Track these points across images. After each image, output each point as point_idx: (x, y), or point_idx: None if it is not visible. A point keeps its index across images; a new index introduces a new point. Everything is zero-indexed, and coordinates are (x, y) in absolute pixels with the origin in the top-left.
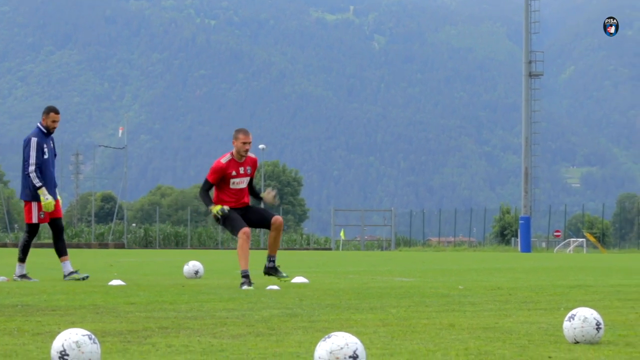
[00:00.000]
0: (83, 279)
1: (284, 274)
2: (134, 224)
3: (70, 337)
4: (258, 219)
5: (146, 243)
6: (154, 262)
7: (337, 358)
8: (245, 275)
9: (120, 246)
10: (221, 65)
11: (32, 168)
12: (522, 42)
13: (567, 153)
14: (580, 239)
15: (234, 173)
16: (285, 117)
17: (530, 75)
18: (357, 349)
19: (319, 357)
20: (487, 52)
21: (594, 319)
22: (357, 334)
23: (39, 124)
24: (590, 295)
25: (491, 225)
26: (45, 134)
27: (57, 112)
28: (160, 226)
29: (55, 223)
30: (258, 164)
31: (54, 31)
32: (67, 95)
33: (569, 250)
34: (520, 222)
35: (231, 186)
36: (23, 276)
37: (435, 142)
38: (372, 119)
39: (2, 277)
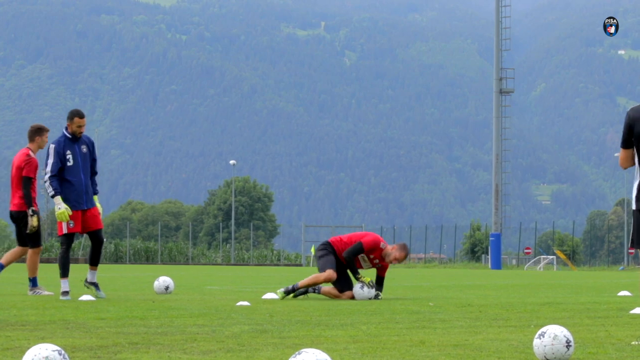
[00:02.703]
0: (98, 296)
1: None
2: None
3: (40, 352)
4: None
5: (116, 258)
6: (124, 277)
7: None
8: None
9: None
10: (192, 80)
11: (46, 176)
12: (492, 58)
13: (538, 170)
14: (551, 256)
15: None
16: (256, 132)
17: (501, 92)
18: None
19: None
20: (457, 68)
21: (564, 336)
22: (327, 350)
23: (64, 130)
24: (561, 313)
25: (461, 242)
26: (71, 139)
27: (81, 116)
28: (130, 241)
29: (94, 235)
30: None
31: (25, 45)
32: (38, 109)
33: (539, 268)
34: (491, 239)
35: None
36: (65, 293)
37: (406, 158)
38: (342, 135)
39: (47, 292)
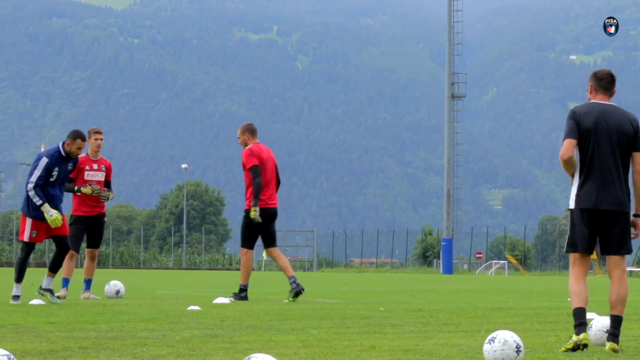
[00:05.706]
0: (52, 302)
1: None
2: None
3: None
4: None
5: None
6: (75, 281)
7: None
8: (241, 289)
9: (42, 265)
10: (144, 84)
11: (30, 186)
12: (444, 63)
13: (489, 175)
14: (502, 261)
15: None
16: (208, 136)
17: (453, 96)
18: None
19: None
20: (410, 73)
21: (514, 341)
22: (277, 355)
23: (60, 145)
24: (511, 318)
25: (413, 246)
26: (64, 158)
27: (84, 139)
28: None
29: (60, 240)
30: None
31: None
32: None
33: (491, 272)
34: (442, 243)
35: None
36: (15, 297)
37: (358, 162)
38: (295, 140)
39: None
